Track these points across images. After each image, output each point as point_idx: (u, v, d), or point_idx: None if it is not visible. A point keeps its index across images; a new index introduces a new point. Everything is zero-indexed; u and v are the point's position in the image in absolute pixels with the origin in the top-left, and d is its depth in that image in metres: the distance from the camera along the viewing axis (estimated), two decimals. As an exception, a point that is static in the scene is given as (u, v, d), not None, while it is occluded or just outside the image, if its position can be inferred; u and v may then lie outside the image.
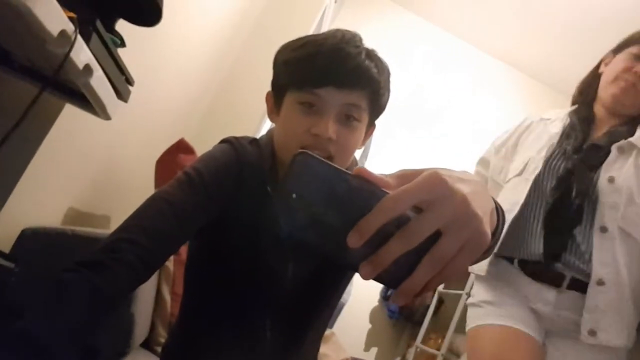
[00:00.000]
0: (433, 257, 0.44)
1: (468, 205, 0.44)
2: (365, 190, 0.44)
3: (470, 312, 1.63)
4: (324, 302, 1.12)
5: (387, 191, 0.44)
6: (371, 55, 0.98)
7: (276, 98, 1.04)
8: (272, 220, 0.96)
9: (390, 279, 0.45)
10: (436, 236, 0.43)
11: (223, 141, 1.06)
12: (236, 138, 1.06)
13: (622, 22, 3.50)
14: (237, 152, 1.02)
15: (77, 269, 0.76)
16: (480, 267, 1.58)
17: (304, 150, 0.44)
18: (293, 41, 1.01)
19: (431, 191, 0.43)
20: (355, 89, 0.95)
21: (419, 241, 0.42)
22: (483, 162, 1.93)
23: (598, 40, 3.79)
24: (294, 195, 0.43)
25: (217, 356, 1.03)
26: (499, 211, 0.68)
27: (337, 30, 0.99)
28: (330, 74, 0.93)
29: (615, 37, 3.84)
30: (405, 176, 0.46)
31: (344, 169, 0.44)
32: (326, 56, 0.93)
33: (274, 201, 0.97)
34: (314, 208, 0.43)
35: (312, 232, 0.44)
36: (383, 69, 1.00)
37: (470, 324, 1.61)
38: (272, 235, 0.98)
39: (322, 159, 0.43)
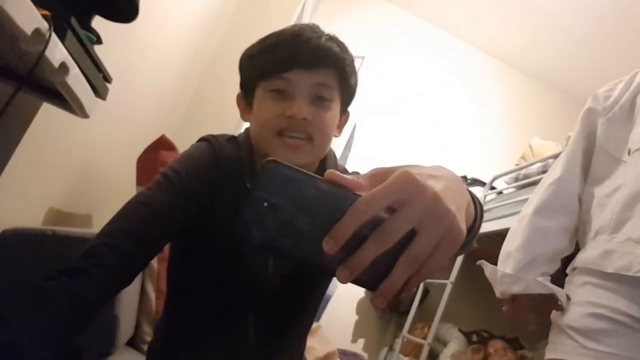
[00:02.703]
0: (408, 257, 0.43)
1: (440, 202, 0.43)
2: (337, 195, 0.43)
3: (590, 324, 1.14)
4: (307, 297, 1.12)
5: (360, 194, 0.43)
6: (332, 37, 1.02)
7: (247, 96, 1.05)
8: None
9: (368, 280, 0.44)
10: (412, 235, 0.43)
11: (201, 140, 1.06)
12: (213, 136, 1.06)
13: (601, 12, 3.54)
14: (214, 149, 1.02)
15: (57, 277, 0.76)
16: (630, 265, 1.11)
17: (272, 158, 0.43)
18: (255, 42, 1.05)
19: (402, 191, 0.43)
20: (321, 68, 0.98)
21: (393, 242, 0.42)
22: (590, 125, 1.42)
23: (577, 30, 3.84)
24: (265, 204, 0.42)
25: (201, 354, 1.03)
26: (476, 203, 0.68)
27: (295, 24, 1.03)
28: (294, 56, 0.96)
29: (594, 27, 3.88)
30: (377, 176, 0.46)
31: (314, 174, 0.43)
32: (288, 41, 0.97)
33: (244, 210, 0.97)
34: (287, 215, 0.42)
35: (287, 239, 0.43)
36: (346, 49, 1.03)
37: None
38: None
39: (292, 165, 0.43)
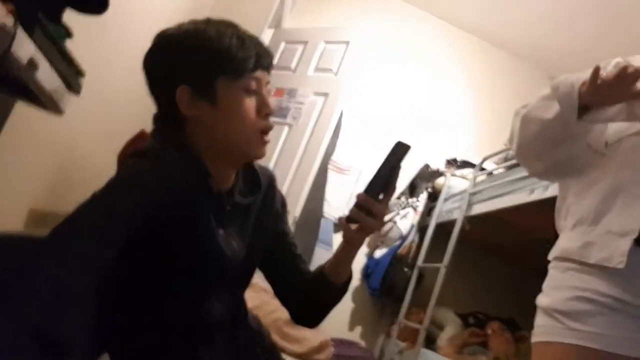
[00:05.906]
0: None
1: None
2: None
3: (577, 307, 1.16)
4: (254, 271, 1.23)
5: None
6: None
7: (200, 90, 1.01)
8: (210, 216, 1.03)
9: None
10: None
11: (135, 156, 1.04)
12: (148, 149, 1.04)
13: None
14: (160, 161, 1.00)
15: None
16: (611, 257, 1.13)
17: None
18: (185, 32, 1.04)
19: None
20: (269, 69, 1.09)
21: None
22: None
23: (562, 8, 3.83)
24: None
25: (168, 339, 1.06)
26: None
27: (215, 20, 1.06)
28: (260, 58, 1.04)
29: (580, 5, 3.85)
30: None
31: None
32: (248, 43, 1.03)
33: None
34: None
35: None
36: None
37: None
38: (211, 230, 1.03)
39: None
